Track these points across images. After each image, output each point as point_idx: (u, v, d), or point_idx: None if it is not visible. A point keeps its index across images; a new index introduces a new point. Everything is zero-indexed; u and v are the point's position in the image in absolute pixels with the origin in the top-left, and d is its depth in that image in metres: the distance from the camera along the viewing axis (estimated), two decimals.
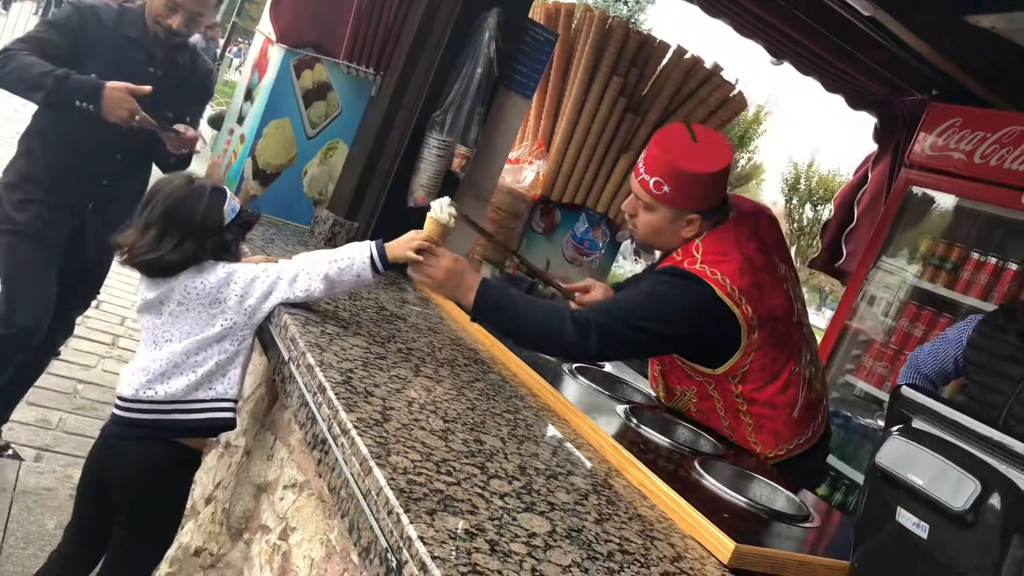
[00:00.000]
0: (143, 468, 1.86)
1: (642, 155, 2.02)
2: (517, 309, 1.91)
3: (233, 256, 1.91)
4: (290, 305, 1.84)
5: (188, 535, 2.21)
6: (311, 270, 1.85)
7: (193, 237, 1.82)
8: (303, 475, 1.68)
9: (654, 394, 2.27)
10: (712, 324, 1.93)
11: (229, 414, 1.87)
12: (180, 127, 2.50)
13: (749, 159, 24.69)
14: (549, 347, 2.00)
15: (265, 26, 2.79)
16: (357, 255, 1.87)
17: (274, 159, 2.72)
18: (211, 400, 1.85)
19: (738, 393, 2.03)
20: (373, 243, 1.90)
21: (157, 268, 1.82)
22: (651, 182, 1.96)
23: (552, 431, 1.66)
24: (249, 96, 2.82)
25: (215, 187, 1.91)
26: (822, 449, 2.21)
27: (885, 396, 3.40)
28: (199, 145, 2.62)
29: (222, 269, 1.83)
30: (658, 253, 2.24)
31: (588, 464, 1.54)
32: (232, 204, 1.89)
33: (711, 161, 1.98)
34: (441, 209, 1.92)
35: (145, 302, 1.86)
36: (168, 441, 1.86)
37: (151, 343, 1.86)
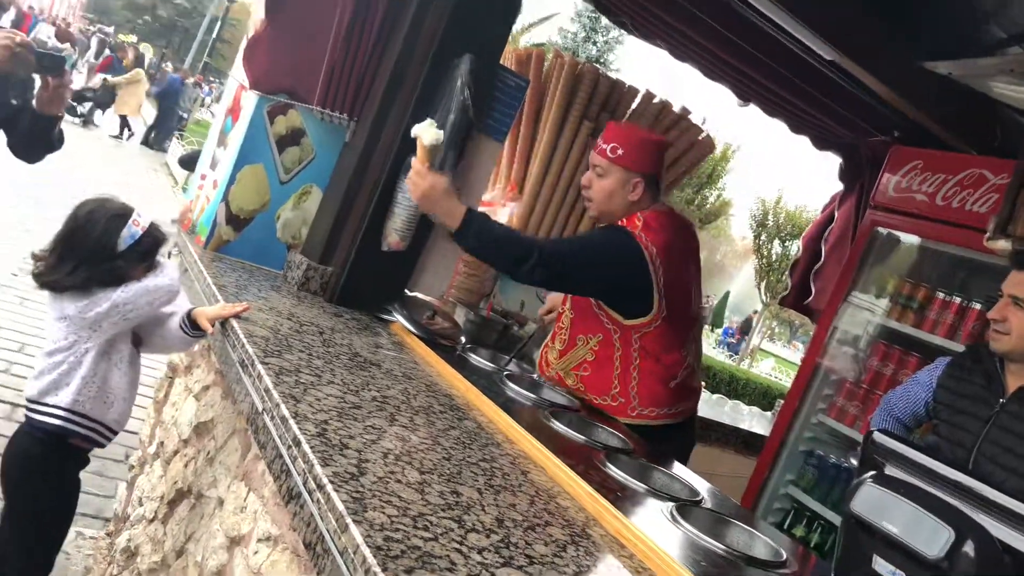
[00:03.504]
0: (17, 455, 2.05)
1: (600, 137, 2.54)
2: (487, 237, 2.36)
3: (124, 282, 2.00)
4: (263, 354, 1.82)
5: None
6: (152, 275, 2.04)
7: (86, 264, 1.96)
8: (277, 528, 1.65)
9: (541, 359, 2.72)
10: (632, 276, 2.40)
11: (57, 421, 2.01)
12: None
13: (718, 196, 25.02)
14: (508, 271, 2.48)
15: (239, 73, 2.80)
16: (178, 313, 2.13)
17: (247, 204, 2.71)
18: (51, 405, 2.02)
19: (637, 348, 2.47)
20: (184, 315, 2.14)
21: (52, 288, 2.00)
22: (608, 148, 2.48)
23: (529, 480, 1.66)
24: (222, 142, 2.82)
25: (117, 213, 2.00)
26: (683, 436, 2.67)
27: (857, 436, 3.43)
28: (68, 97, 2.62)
29: (81, 297, 1.97)
30: None
31: (566, 514, 1.53)
32: (132, 230, 1.99)
33: (653, 135, 2.69)
34: (426, 132, 2.29)
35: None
36: (46, 437, 2.03)
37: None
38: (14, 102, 2.72)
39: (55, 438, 2.06)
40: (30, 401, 2.05)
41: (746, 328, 28.45)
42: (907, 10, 2.96)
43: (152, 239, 2.06)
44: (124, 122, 16.54)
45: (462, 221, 2.33)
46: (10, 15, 18.79)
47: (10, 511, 2.09)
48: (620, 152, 2.48)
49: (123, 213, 2.02)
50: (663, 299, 2.44)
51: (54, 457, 2.07)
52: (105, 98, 16.27)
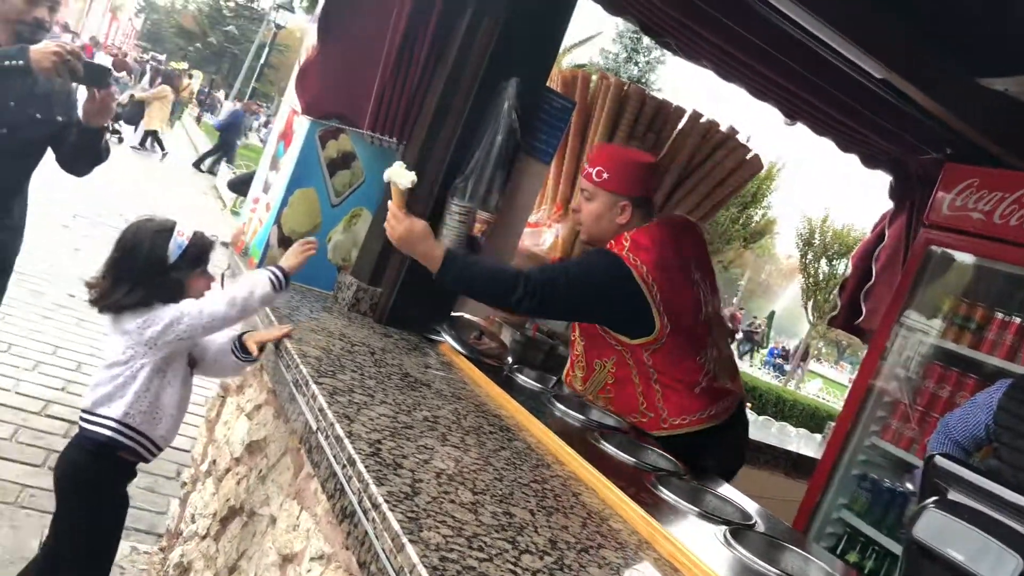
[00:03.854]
0: (67, 467, 2.10)
1: (586, 159, 2.56)
2: (468, 275, 2.37)
3: (185, 293, 2.09)
4: (317, 374, 1.85)
5: None
6: (216, 298, 2.07)
7: (141, 283, 2.03)
8: (330, 547, 1.66)
9: (568, 385, 2.69)
10: (626, 300, 2.34)
11: (108, 432, 2.06)
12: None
13: (763, 214, 24.78)
14: (496, 305, 2.48)
15: (291, 98, 2.86)
16: (258, 282, 2.10)
17: (299, 227, 2.76)
18: (103, 416, 2.07)
19: (650, 364, 2.44)
20: (271, 269, 2.13)
21: (114, 311, 2.05)
22: (594, 172, 2.46)
23: (580, 501, 1.65)
24: (275, 165, 2.88)
25: (161, 228, 2.09)
26: (729, 437, 2.59)
27: (913, 459, 3.35)
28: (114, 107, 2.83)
29: (144, 313, 2.03)
30: None
31: (619, 536, 1.52)
32: (178, 242, 2.07)
33: (640, 156, 2.62)
34: (400, 176, 2.32)
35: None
36: (97, 449, 2.07)
37: None
38: (59, 119, 2.83)
39: (104, 449, 2.10)
40: (84, 411, 2.11)
41: (804, 355, 27.85)
42: (961, 27, 2.92)
43: (199, 246, 2.14)
44: (156, 138, 16.89)
45: (441, 262, 2.34)
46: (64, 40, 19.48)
47: (60, 523, 2.14)
48: (605, 176, 2.45)
49: (167, 227, 2.10)
50: (664, 316, 2.36)
51: (103, 469, 2.12)
52: (134, 113, 16.74)
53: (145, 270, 2.05)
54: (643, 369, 2.47)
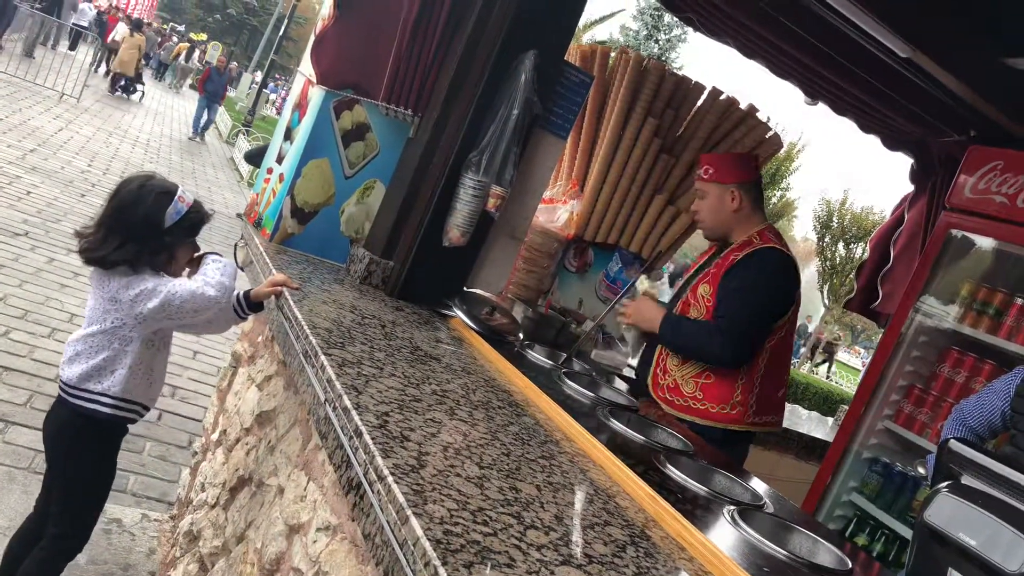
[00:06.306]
0: (61, 427, 2.10)
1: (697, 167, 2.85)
2: (680, 332, 2.68)
3: (171, 256, 2.08)
4: (326, 345, 1.84)
5: (219, 574, 2.20)
6: (206, 283, 2.04)
7: (134, 240, 1.99)
8: (336, 518, 1.67)
9: (658, 362, 2.80)
10: (789, 289, 2.64)
11: (108, 410, 2.06)
12: None
13: (782, 196, 24.56)
14: (703, 360, 2.63)
15: (306, 68, 2.83)
16: (228, 269, 2.12)
17: (312, 198, 2.75)
18: (97, 393, 2.05)
19: (767, 355, 2.65)
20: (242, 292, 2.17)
21: (101, 264, 2.01)
22: (702, 171, 2.77)
23: (587, 478, 1.64)
24: (289, 136, 2.86)
25: (164, 190, 2.04)
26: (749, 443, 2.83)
27: (925, 443, 3.32)
28: None
29: (129, 274, 2.01)
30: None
31: (625, 514, 1.51)
32: (177, 207, 2.03)
33: (737, 152, 3.00)
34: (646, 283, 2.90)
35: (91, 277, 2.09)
36: (95, 420, 2.08)
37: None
38: None
39: (102, 422, 2.10)
40: (70, 386, 2.06)
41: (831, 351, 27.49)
42: (988, 4, 2.85)
43: (197, 215, 2.10)
44: (115, 79, 18.13)
45: (660, 322, 2.71)
46: (89, 15, 19.82)
47: (55, 481, 2.15)
48: (711, 171, 2.75)
49: (170, 190, 2.05)
50: (789, 313, 2.66)
51: (101, 434, 2.13)
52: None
53: (139, 228, 2.00)
54: (757, 361, 2.64)
